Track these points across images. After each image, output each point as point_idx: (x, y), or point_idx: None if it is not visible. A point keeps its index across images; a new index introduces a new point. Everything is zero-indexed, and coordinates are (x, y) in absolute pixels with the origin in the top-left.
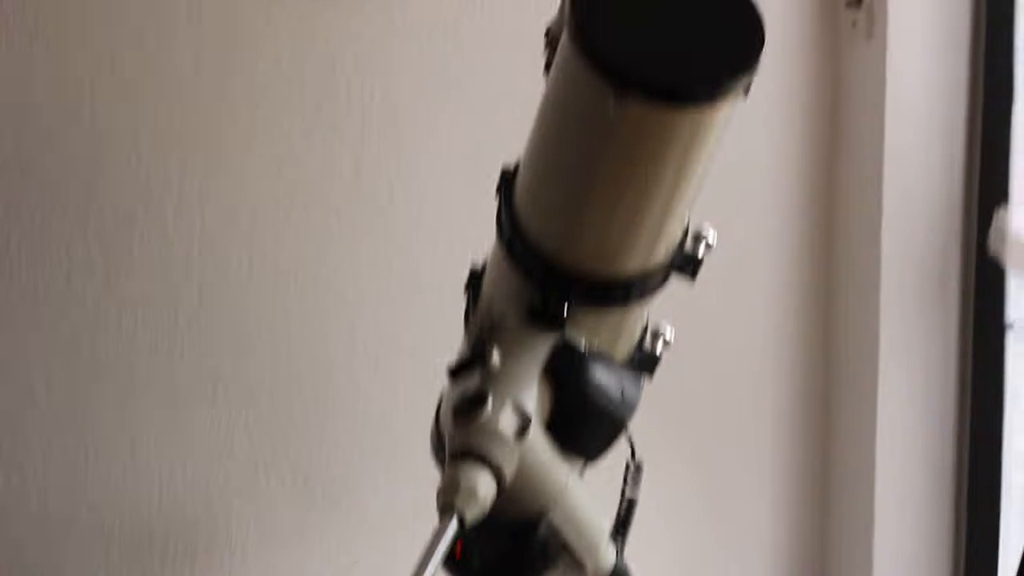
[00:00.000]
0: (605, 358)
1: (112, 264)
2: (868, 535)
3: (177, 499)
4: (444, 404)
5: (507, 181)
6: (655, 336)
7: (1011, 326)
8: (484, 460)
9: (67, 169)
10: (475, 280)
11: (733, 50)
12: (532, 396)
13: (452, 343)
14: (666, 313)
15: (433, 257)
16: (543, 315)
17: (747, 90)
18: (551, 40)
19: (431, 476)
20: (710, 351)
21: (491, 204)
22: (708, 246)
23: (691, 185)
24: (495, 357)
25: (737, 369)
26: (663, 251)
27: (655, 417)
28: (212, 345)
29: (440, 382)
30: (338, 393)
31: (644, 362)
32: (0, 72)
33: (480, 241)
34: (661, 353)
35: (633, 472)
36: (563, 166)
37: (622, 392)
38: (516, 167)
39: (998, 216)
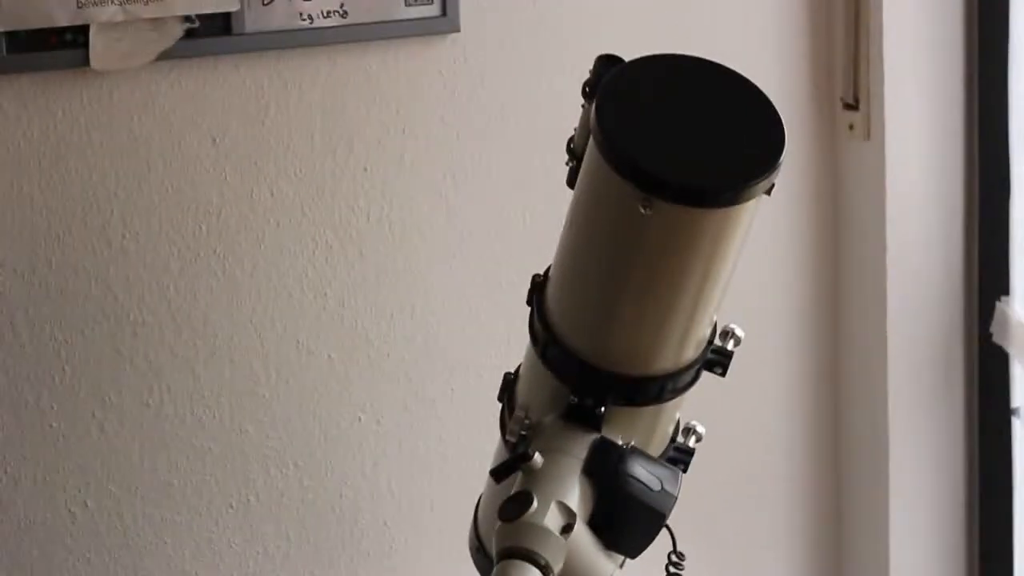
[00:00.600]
0: (642, 454)
1: None
2: None
3: None
4: (483, 508)
5: (538, 288)
6: (687, 432)
7: (1017, 412)
8: (532, 558)
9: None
10: (509, 387)
11: (757, 151)
12: (575, 494)
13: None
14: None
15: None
16: (581, 416)
17: (770, 190)
18: (573, 152)
19: None
20: (724, 441)
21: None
22: (737, 341)
23: (719, 284)
24: (536, 458)
25: (748, 458)
26: (693, 348)
27: None
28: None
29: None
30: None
31: (679, 456)
32: None
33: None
34: (694, 448)
35: (676, 562)
36: (593, 270)
37: (661, 486)
38: (546, 274)
39: (1000, 305)
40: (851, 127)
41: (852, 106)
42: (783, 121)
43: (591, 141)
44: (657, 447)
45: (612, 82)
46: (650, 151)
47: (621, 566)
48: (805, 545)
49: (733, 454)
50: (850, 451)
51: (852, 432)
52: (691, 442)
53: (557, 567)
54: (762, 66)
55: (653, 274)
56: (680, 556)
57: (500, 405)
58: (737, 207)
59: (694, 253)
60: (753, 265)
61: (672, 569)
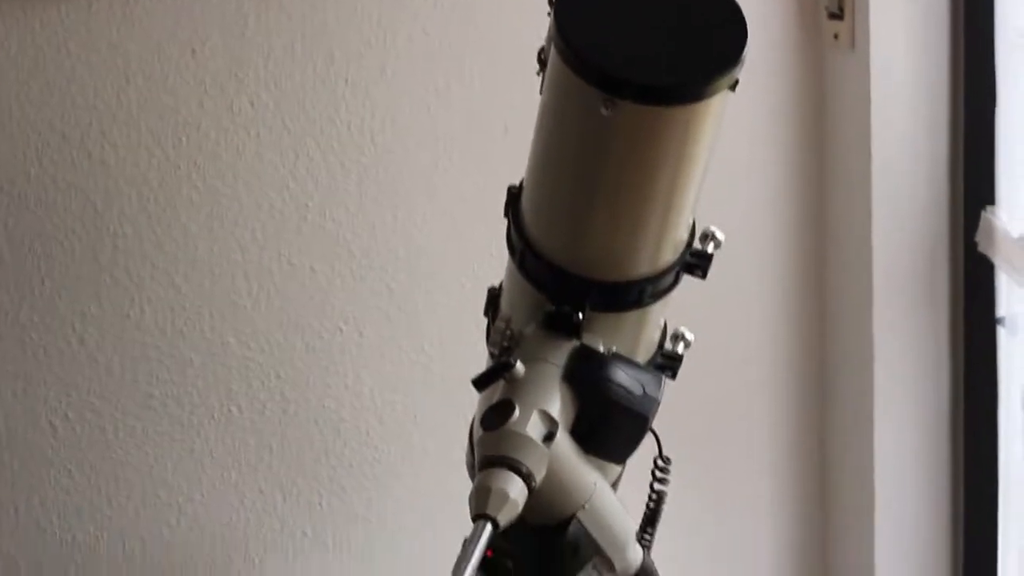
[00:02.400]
0: (624, 360)
1: None
2: (869, 531)
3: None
4: (475, 420)
5: (513, 198)
6: (676, 338)
7: (1002, 321)
8: (514, 466)
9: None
10: (493, 300)
11: (718, 47)
12: (556, 402)
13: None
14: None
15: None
16: (560, 324)
17: (734, 86)
18: (543, 61)
19: (449, 487)
20: (706, 354)
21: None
22: (717, 244)
23: (690, 184)
24: (518, 367)
25: (733, 371)
26: (671, 251)
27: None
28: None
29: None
30: (349, 412)
31: (666, 363)
32: None
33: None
34: (683, 354)
35: (663, 470)
36: (563, 176)
37: (643, 390)
38: (520, 185)
39: (985, 215)
40: (836, 36)
41: (837, 15)
42: (746, 19)
43: (552, 46)
44: (643, 354)
45: None
46: (608, 51)
47: (618, 479)
48: (789, 455)
49: (716, 365)
50: (836, 361)
51: (837, 343)
52: (679, 348)
53: (539, 475)
54: None
55: (621, 176)
56: (666, 460)
57: (485, 319)
58: (701, 104)
59: (661, 153)
60: (736, 175)
61: (658, 474)
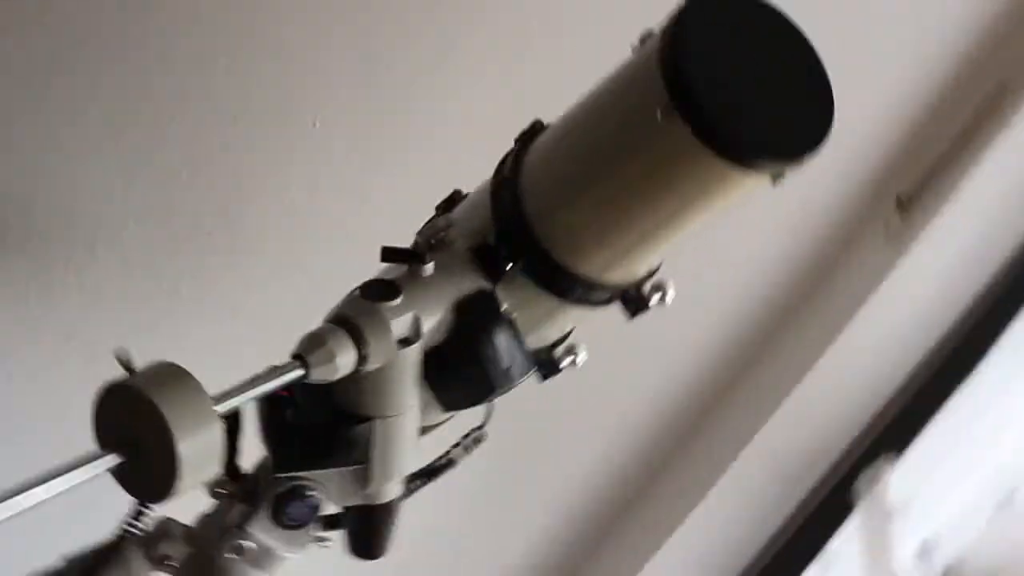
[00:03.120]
0: (514, 331)
1: None
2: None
3: None
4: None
5: (534, 132)
6: (569, 350)
7: None
8: (358, 340)
9: None
10: (451, 203)
11: (788, 134)
12: (434, 319)
13: None
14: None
15: None
16: (488, 259)
17: (776, 180)
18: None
19: None
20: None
21: None
22: (662, 299)
23: (680, 227)
24: (428, 267)
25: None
26: (620, 275)
27: None
28: None
29: None
30: None
31: (544, 364)
32: None
33: None
34: (564, 368)
35: (471, 441)
36: (585, 142)
37: (508, 367)
38: (545, 127)
39: None
40: (886, 225)
41: (904, 206)
42: (828, 132)
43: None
44: (532, 341)
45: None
46: (694, 64)
47: (433, 427)
48: None
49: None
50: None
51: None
52: (564, 361)
53: (374, 363)
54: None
55: (630, 179)
56: (479, 438)
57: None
58: (736, 171)
59: (678, 183)
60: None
61: (466, 442)
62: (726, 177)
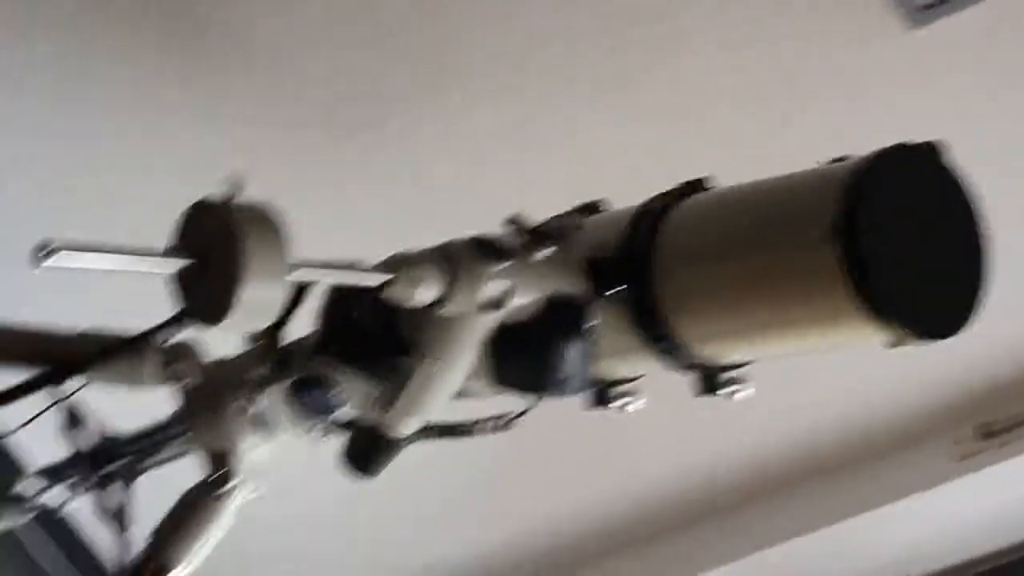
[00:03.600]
0: (589, 349)
1: None
2: None
3: None
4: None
5: (699, 186)
6: (627, 393)
7: None
8: (448, 282)
9: None
10: (591, 209)
11: (937, 310)
12: (522, 301)
13: None
14: None
15: None
16: (600, 272)
17: (895, 344)
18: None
19: None
20: None
21: None
22: (733, 394)
23: (783, 342)
24: (542, 253)
25: None
26: (711, 351)
27: None
28: None
29: None
30: None
31: (597, 394)
32: None
33: None
34: (613, 407)
35: (499, 423)
36: (742, 224)
37: (568, 378)
38: (710, 187)
39: None
40: (961, 457)
41: (992, 436)
42: (969, 322)
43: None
44: (598, 368)
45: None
46: (865, 213)
47: (473, 396)
48: None
49: None
50: None
51: None
52: (617, 402)
53: (451, 308)
54: None
55: (770, 275)
56: (511, 422)
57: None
58: (872, 325)
59: (810, 303)
60: None
61: (499, 422)
62: (859, 324)
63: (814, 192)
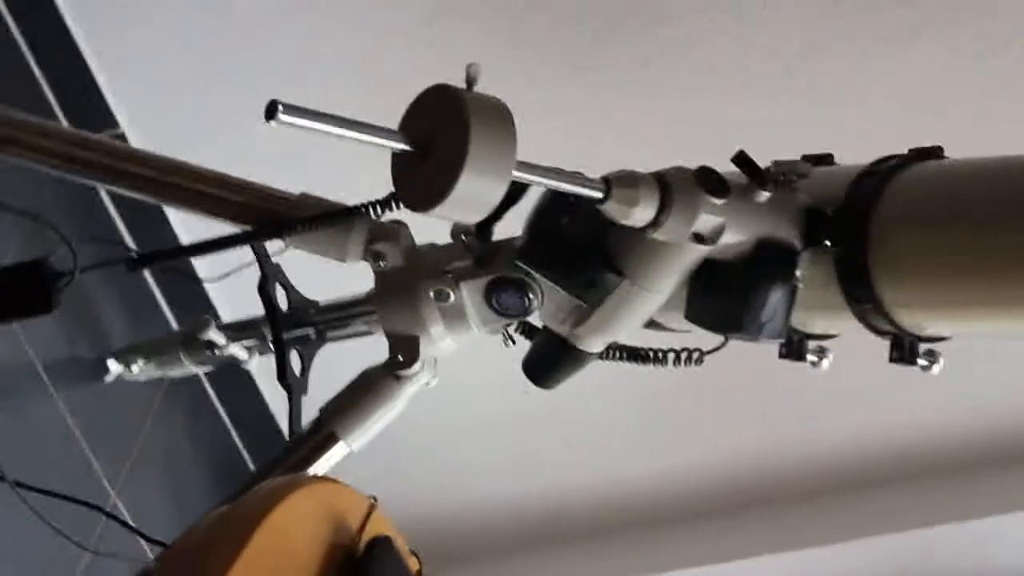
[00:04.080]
0: (792, 298)
1: None
2: None
3: None
4: None
5: (931, 154)
6: (820, 350)
7: None
8: (664, 207)
9: None
10: (820, 160)
11: None
12: (733, 239)
13: None
14: None
15: None
16: (815, 224)
17: None
18: None
19: None
20: None
21: None
22: (928, 367)
23: (993, 317)
24: (763, 195)
25: None
26: (912, 320)
27: None
28: None
29: None
30: None
31: (792, 344)
32: None
33: None
34: (807, 360)
35: (690, 357)
36: (977, 197)
37: (766, 323)
38: (943, 156)
39: None
40: None
41: None
42: None
43: None
44: (796, 319)
45: None
46: None
47: (671, 330)
48: None
49: None
50: None
51: None
52: (810, 356)
53: (659, 236)
54: None
55: (1003, 250)
56: (698, 358)
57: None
58: None
59: None
60: None
61: (682, 356)
62: None
63: None
